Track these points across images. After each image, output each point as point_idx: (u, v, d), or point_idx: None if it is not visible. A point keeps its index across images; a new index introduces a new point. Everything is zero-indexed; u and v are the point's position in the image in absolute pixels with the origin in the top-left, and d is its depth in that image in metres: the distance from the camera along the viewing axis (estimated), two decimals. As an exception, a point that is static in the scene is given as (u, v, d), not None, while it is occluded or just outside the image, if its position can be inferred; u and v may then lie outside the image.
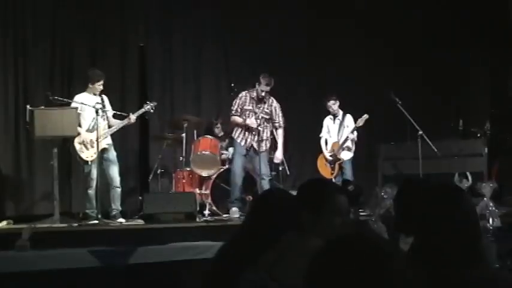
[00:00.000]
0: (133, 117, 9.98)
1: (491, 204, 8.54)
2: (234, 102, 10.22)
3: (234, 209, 10.01)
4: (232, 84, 10.10)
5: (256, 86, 10.11)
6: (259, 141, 10.01)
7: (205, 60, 12.32)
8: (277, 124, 10.27)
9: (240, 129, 10.21)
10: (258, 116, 10.08)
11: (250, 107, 10.12)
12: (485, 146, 10.93)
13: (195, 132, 11.16)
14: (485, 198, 8.56)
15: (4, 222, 9.69)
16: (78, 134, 9.58)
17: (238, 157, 10.20)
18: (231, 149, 10.95)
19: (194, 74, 12.26)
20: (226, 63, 12.10)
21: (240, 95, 10.22)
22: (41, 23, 11.49)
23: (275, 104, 10.23)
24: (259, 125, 10.03)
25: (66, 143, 10.37)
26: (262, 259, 3.13)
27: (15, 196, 11.07)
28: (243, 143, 10.13)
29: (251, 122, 10.07)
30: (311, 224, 3.17)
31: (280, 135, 10.35)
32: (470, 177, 10.15)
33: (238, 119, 10.17)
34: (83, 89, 10.24)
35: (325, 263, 1.79)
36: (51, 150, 9.52)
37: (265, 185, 9.85)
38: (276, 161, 10.47)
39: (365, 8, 12.28)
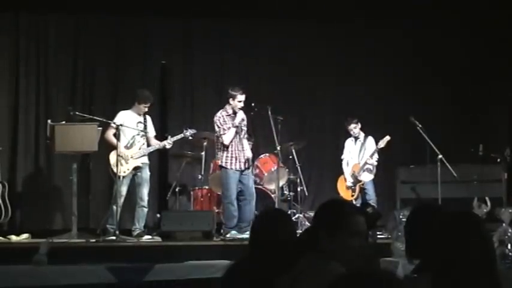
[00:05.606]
0: (170, 141, 10.02)
1: (510, 230, 8.44)
2: (218, 124, 9.82)
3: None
4: (253, 104, 10.06)
5: (230, 101, 9.79)
6: (247, 159, 9.80)
7: (225, 80, 12.33)
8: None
9: (225, 154, 9.78)
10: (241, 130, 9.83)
11: (230, 125, 9.78)
12: (505, 171, 10.85)
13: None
14: (504, 224, 8.47)
15: (22, 236, 9.75)
16: (115, 148, 9.59)
17: (232, 182, 9.74)
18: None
19: (215, 93, 12.27)
20: (247, 82, 12.10)
21: (217, 117, 9.87)
22: (64, 39, 11.62)
23: (244, 115, 9.91)
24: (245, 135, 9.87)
25: (85, 159, 10.45)
26: (280, 280, 3.12)
27: (34, 210, 11.12)
28: (233, 167, 9.72)
29: (237, 118, 9.74)
30: (329, 245, 3.12)
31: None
32: (489, 203, 10.06)
33: (230, 135, 9.77)
34: (104, 105, 10.30)
35: None
36: (70, 166, 9.58)
37: (247, 205, 9.65)
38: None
39: (387, 33, 12.27)
